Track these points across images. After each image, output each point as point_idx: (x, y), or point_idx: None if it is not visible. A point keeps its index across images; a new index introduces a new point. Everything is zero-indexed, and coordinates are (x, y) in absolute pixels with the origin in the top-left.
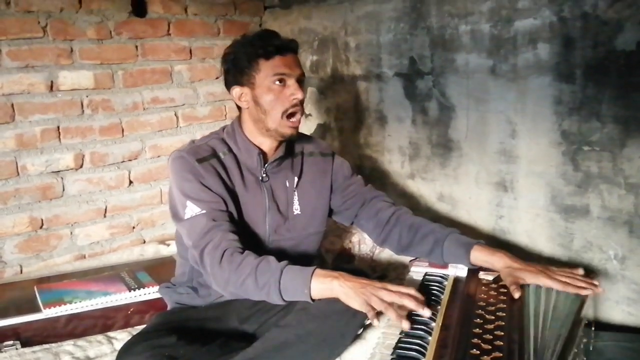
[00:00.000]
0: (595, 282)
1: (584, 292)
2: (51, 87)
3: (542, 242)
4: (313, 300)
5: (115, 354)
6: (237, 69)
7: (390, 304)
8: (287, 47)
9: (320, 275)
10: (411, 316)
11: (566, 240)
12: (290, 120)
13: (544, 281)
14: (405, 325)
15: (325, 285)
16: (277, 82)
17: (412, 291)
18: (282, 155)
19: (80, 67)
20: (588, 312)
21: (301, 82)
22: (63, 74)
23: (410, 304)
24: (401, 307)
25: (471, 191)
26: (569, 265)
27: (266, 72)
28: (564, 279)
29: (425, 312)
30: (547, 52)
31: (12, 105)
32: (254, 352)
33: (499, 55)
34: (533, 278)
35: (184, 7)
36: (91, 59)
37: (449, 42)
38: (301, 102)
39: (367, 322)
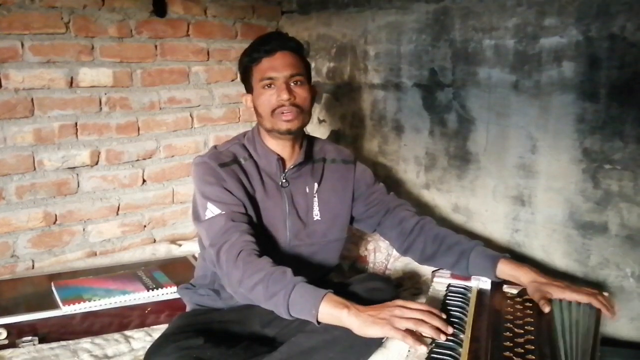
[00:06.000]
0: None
1: (605, 311)
2: (71, 83)
3: (558, 257)
4: (319, 323)
5: (134, 353)
6: (241, 78)
7: (408, 330)
8: (274, 48)
9: (331, 300)
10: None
11: (582, 257)
12: (281, 115)
13: (570, 295)
14: (422, 349)
15: (335, 311)
16: (267, 86)
17: (427, 315)
18: (301, 161)
19: (100, 64)
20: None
21: (297, 80)
22: (83, 70)
23: (427, 331)
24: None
25: (488, 204)
26: (587, 282)
27: (256, 77)
28: (588, 292)
29: (442, 337)
30: (571, 71)
31: (32, 99)
32: (280, 356)
33: (523, 71)
34: (560, 292)
35: (203, 9)
36: (111, 57)
37: (471, 55)
38: (293, 103)
39: None
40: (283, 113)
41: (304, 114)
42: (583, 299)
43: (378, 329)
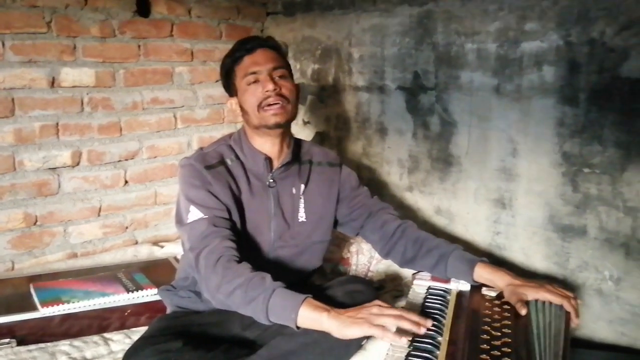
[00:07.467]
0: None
1: (573, 317)
2: (52, 83)
3: (538, 260)
4: (298, 328)
5: (112, 355)
6: (224, 83)
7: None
8: (255, 46)
9: (311, 305)
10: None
11: (562, 259)
12: (268, 108)
13: (544, 295)
14: (403, 341)
15: (314, 315)
16: (251, 82)
17: (405, 312)
18: (289, 160)
19: (82, 64)
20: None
21: (280, 74)
22: (65, 70)
23: (406, 325)
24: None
25: (469, 206)
26: (565, 284)
27: (240, 75)
28: (562, 294)
29: (422, 330)
30: (552, 75)
31: (13, 99)
32: (259, 359)
33: (504, 75)
34: (534, 293)
35: (187, 9)
36: (93, 57)
37: (454, 59)
38: (279, 93)
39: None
40: (270, 105)
41: (290, 106)
42: (556, 300)
43: (356, 328)
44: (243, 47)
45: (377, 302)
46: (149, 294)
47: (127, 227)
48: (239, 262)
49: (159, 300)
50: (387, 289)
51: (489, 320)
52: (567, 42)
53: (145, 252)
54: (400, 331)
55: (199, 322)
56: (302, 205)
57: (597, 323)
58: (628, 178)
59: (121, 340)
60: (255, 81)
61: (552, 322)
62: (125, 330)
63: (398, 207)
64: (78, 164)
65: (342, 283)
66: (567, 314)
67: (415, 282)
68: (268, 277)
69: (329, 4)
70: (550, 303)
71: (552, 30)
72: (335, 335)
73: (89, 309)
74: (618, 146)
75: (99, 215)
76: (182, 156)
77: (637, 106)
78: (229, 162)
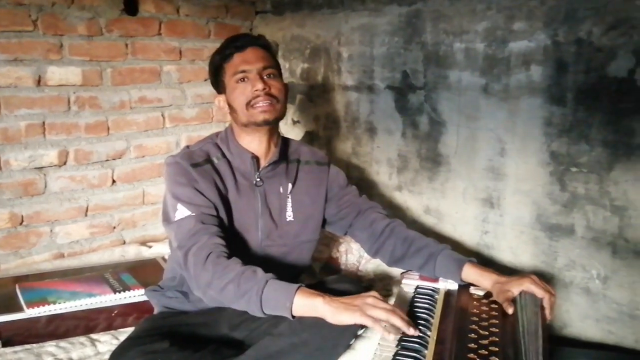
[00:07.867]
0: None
1: (547, 313)
2: (39, 81)
3: (526, 259)
4: (293, 316)
5: (99, 356)
6: (212, 80)
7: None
8: (245, 44)
9: (304, 292)
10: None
11: (550, 258)
12: (257, 106)
13: (528, 286)
14: (391, 337)
15: (309, 301)
16: (240, 80)
17: (398, 311)
18: (276, 159)
19: (69, 62)
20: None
21: (269, 73)
22: (51, 69)
23: (397, 322)
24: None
25: (458, 206)
26: (553, 283)
27: (229, 73)
28: (544, 288)
29: (411, 331)
30: (539, 74)
31: None
32: None
33: (492, 75)
34: (518, 286)
35: (176, 8)
36: (80, 55)
37: (442, 58)
38: (268, 93)
39: (360, 332)
40: (259, 104)
41: (280, 105)
42: (539, 292)
43: (349, 315)
44: (233, 45)
45: (374, 293)
46: (137, 295)
47: (114, 227)
48: (228, 257)
49: (147, 301)
50: (376, 289)
51: (477, 319)
52: (555, 41)
53: (132, 252)
54: (390, 328)
55: (186, 322)
56: (289, 204)
57: (584, 321)
58: (615, 177)
59: (108, 341)
60: (245, 79)
61: (531, 319)
62: (112, 331)
63: (387, 207)
64: (65, 163)
65: (330, 282)
66: (542, 309)
67: (403, 281)
68: (259, 270)
69: (318, 3)
70: (532, 296)
71: (540, 29)
72: (329, 320)
73: (75, 309)
74: (605, 145)
75: (86, 215)
76: None
77: (624, 106)
78: (215, 160)
